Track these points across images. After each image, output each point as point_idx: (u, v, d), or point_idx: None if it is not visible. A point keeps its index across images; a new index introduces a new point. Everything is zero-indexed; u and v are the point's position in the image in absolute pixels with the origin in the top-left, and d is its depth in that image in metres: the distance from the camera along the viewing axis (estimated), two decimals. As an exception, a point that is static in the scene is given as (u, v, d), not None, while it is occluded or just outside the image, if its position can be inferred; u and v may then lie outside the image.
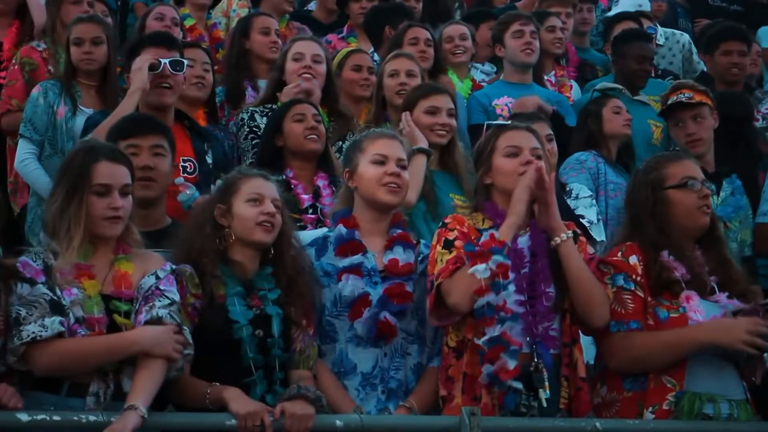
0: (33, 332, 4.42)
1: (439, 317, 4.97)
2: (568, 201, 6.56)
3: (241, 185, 4.99)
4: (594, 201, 6.74)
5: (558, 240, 4.96)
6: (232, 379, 4.72)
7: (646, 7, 10.50)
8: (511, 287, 4.88)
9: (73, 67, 7.14)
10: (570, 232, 4.99)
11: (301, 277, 4.98)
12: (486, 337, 4.79)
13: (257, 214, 4.91)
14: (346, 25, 9.47)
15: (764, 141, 8.26)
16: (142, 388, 4.46)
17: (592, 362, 5.48)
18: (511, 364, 4.75)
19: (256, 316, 4.86)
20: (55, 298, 4.49)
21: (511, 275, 4.88)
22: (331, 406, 4.82)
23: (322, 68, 7.16)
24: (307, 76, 7.04)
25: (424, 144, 6.11)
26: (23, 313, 4.45)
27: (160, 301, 4.61)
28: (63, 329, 4.44)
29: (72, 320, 4.49)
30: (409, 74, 7.10)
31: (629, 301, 5.08)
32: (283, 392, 4.73)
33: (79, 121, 6.85)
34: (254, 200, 4.94)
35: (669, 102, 7.21)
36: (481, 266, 4.79)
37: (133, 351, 4.51)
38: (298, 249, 5.07)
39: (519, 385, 4.78)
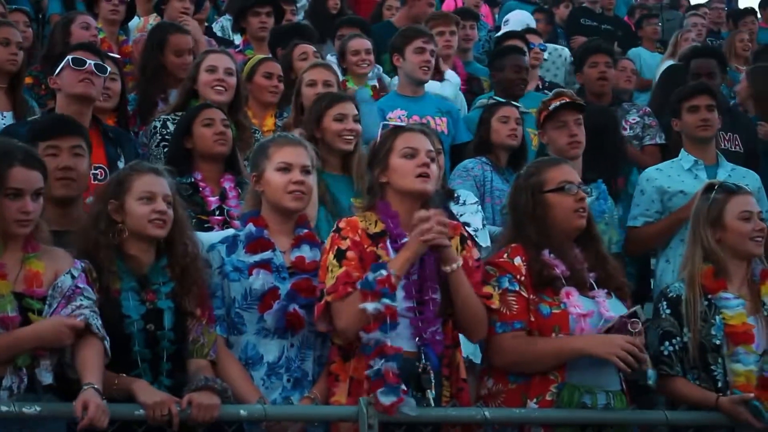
0: None
1: (326, 324, 4.92)
2: (456, 207, 6.49)
3: (133, 183, 4.86)
4: (480, 207, 6.67)
5: (448, 269, 4.90)
6: (122, 370, 4.66)
7: (533, 24, 10.53)
8: (401, 293, 4.86)
9: None
10: (460, 261, 4.94)
11: (194, 264, 4.90)
12: (371, 370, 4.78)
13: (149, 212, 4.80)
14: (242, 39, 9.45)
15: (632, 147, 8.37)
16: (91, 369, 4.41)
17: (470, 357, 5.57)
18: (388, 401, 4.72)
19: (148, 310, 4.78)
20: None
21: (402, 281, 4.86)
22: (236, 396, 4.76)
23: (233, 80, 7.09)
24: (220, 88, 6.96)
25: None
26: None
27: (82, 300, 4.55)
28: None
29: None
30: (326, 84, 7.13)
31: (513, 302, 5.06)
32: (171, 382, 4.74)
33: None
34: (146, 198, 4.83)
35: (553, 106, 7.10)
36: (371, 305, 4.75)
37: (26, 347, 4.43)
38: (191, 238, 4.99)
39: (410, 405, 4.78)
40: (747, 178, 7.02)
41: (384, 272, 4.75)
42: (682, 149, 7.18)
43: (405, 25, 9.28)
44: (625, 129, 8.41)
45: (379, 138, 5.22)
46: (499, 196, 7.04)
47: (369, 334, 4.76)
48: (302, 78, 7.24)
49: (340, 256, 4.88)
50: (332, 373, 4.94)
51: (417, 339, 4.86)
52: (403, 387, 4.73)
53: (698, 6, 14.67)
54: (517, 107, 7.58)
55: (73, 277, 4.60)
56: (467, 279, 4.95)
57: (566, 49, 11.20)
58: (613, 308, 5.12)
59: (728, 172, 7.02)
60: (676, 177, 6.98)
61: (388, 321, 4.75)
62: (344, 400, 4.84)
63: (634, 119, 8.48)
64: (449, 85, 8.85)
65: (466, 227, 5.92)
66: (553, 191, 5.21)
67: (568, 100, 7.10)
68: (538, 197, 5.22)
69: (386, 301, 4.74)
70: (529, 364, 5.03)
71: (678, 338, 5.34)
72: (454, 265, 4.88)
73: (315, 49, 8.13)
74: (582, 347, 4.99)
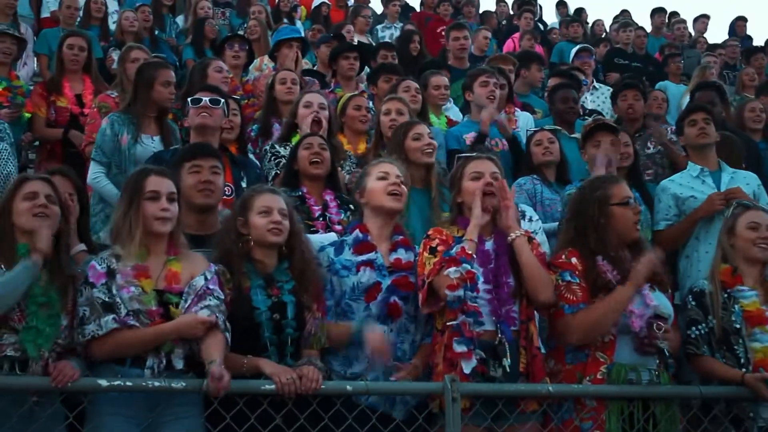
0: (92, 331, 4.42)
1: (429, 306, 4.97)
2: (525, 224, 6.39)
3: (254, 201, 4.91)
4: (541, 224, 6.55)
5: (513, 236, 4.99)
6: (253, 353, 4.67)
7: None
8: (480, 279, 4.90)
9: (148, 103, 6.88)
10: (522, 230, 5.06)
11: (310, 268, 4.91)
12: (453, 323, 4.87)
13: (267, 222, 4.84)
14: (333, 80, 9.47)
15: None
16: (214, 352, 4.43)
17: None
18: (461, 348, 4.82)
19: (274, 303, 4.78)
20: (107, 300, 4.44)
21: (480, 269, 4.91)
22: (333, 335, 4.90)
23: (326, 113, 7.15)
24: (317, 119, 7.01)
25: None
26: (86, 313, 4.44)
27: (210, 300, 4.57)
28: (116, 326, 4.40)
29: (123, 313, 4.43)
30: (399, 112, 7.10)
31: (577, 290, 5.04)
32: (294, 363, 4.69)
33: (140, 148, 6.72)
34: (264, 212, 4.87)
35: (589, 127, 7.19)
36: (452, 269, 4.84)
37: (168, 338, 4.46)
38: (307, 246, 5.01)
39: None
40: (747, 178, 6.97)
41: (460, 245, 4.89)
42: (689, 161, 7.09)
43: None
44: (649, 148, 8.30)
45: (455, 167, 5.32)
46: (549, 204, 6.98)
47: (453, 292, 4.81)
48: (380, 109, 7.30)
49: (433, 251, 4.98)
50: (435, 351, 4.98)
51: (494, 317, 4.88)
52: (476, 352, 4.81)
53: (714, 46, 14.59)
54: (553, 131, 7.50)
55: (206, 279, 4.63)
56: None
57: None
58: (656, 299, 5.05)
59: (730, 175, 6.92)
60: (686, 184, 6.87)
61: (469, 283, 4.83)
62: (441, 366, 4.87)
63: (653, 141, 8.36)
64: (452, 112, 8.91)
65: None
66: (618, 204, 5.16)
67: (601, 122, 7.18)
68: (604, 209, 5.15)
69: (466, 266, 4.83)
70: (597, 328, 4.96)
71: (703, 324, 5.31)
72: (512, 234, 4.98)
73: (417, 86, 8.04)
74: (633, 290, 4.96)
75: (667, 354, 5.04)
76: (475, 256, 4.90)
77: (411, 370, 4.94)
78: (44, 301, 4.41)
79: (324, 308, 4.95)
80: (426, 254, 4.99)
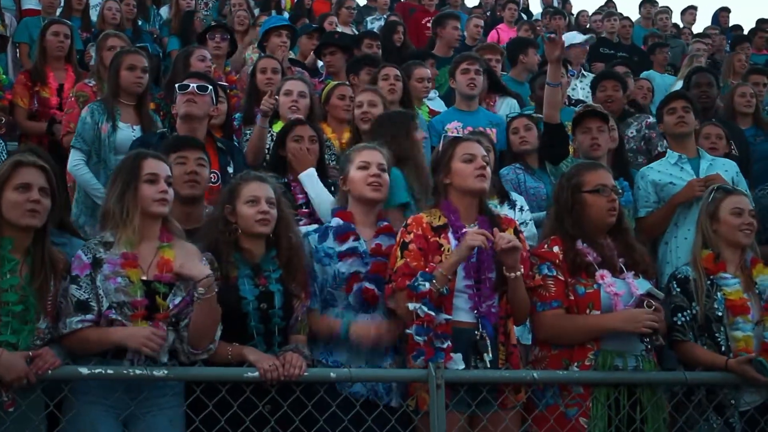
0: (61, 330, 4.38)
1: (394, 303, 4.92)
2: (516, 213, 6.38)
3: (242, 190, 4.88)
4: (530, 214, 6.56)
5: (512, 275, 4.81)
6: (240, 343, 4.66)
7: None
8: (461, 273, 4.82)
9: (117, 90, 6.87)
10: (521, 270, 4.84)
11: (297, 255, 4.89)
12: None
13: (255, 212, 4.81)
14: (325, 72, 9.55)
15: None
16: None
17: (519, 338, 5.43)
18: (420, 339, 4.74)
19: (261, 292, 4.76)
20: (81, 298, 4.37)
21: (462, 263, 4.80)
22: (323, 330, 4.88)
23: (305, 102, 7.17)
24: (294, 108, 7.03)
25: None
26: (62, 307, 4.40)
27: None
28: (80, 327, 4.35)
29: (106, 306, 4.38)
30: (371, 104, 6.97)
31: (551, 285, 5.01)
32: (280, 351, 4.68)
33: (120, 136, 6.68)
34: (252, 201, 4.83)
35: (579, 114, 7.21)
36: (415, 306, 4.71)
37: (114, 344, 4.37)
38: (295, 232, 4.99)
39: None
40: (725, 165, 6.97)
41: (427, 285, 4.72)
42: (668, 149, 7.10)
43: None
44: (625, 138, 8.24)
45: (441, 147, 5.17)
46: (533, 193, 6.95)
47: (414, 304, 4.71)
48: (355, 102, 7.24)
49: (404, 247, 4.87)
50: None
51: (475, 311, 4.81)
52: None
53: (702, 34, 14.66)
54: (530, 116, 7.41)
55: None
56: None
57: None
58: (641, 287, 5.02)
59: (709, 162, 6.93)
60: (665, 171, 6.87)
61: (425, 326, 4.71)
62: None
63: (631, 133, 8.37)
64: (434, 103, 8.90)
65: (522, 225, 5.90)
66: (590, 192, 5.14)
67: (590, 109, 7.19)
68: (576, 196, 5.15)
69: (424, 308, 4.70)
70: (564, 338, 4.99)
71: (688, 311, 5.29)
72: (517, 273, 4.82)
73: (397, 72, 7.87)
74: (614, 326, 4.92)
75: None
76: (446, 290, 4.75)
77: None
78: (20, 309, 4.29)
79: (310, 294, 4.90)
80: (397, 250, 4.90)
